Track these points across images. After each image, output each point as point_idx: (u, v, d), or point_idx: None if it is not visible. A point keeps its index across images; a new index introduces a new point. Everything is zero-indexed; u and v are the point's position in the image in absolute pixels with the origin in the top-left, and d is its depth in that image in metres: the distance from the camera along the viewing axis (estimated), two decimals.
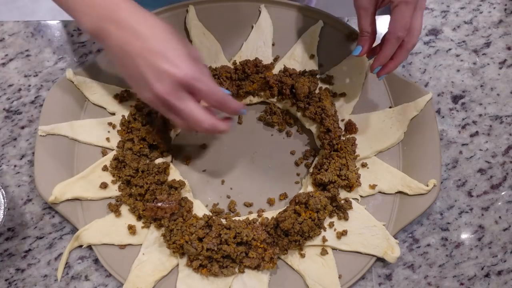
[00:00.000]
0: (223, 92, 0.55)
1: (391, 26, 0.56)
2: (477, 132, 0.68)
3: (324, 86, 0.68)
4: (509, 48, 0.72)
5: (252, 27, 0.70)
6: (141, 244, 0.60)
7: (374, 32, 0.59)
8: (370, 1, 0.57)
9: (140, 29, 0.52)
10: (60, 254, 0.61)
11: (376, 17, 0.73)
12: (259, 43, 0.69)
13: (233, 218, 0.61)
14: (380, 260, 0.60)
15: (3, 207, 0.58)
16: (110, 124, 0.65)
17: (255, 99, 0.68)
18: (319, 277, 0.58)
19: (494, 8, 0.75)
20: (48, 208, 0.63)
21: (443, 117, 0.69)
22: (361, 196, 0.63)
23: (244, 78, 0.67)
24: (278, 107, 0.68)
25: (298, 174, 0.65)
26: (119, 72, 0.56)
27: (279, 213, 0.60)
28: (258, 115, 0.68)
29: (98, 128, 0.65)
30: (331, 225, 0.61)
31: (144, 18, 0.53)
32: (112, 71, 0.68)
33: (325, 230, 0.60)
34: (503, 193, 0.65)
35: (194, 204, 0.62)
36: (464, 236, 0.63)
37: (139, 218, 0.61)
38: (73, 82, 0.66)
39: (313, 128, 0.66)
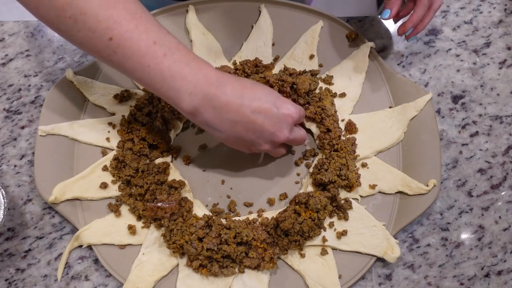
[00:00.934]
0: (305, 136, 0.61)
1: None
2: (477, 132, 0.68)
3: (324, 86, 0.68)
4: (509, 48, 0.72)
5: (252, 27, 0.70)
6: (141, 244, 0.60)
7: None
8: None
9: (245, 89, 0.53)
10: (60, 254, 0.61)
11: (377, 16, 0.73)
12: (259, 43, 0.69)
13: (233, 218, 0.61)
14: (380, 260, 0.60)
15: (3, 207, 0.58)
16: (110, 124, 0.65)
17: None
18: (319, 277, 0.59)
19: (494, 8, 0.75)
20: (48, 208, 0.63)
21: (443, 117, 0.69)
22: (361, 196, 0.63)
23: (244, 78, 0.67)
24: None
25: (298, 174, 0.65)
26: (232, 140, 0.56)
27: (279, 213, 0.60)
28: None
29: (98, 128, 0.65)
30: (331, 225, 0.61)
31: (243, 80, 0.55)
32: (112, 71, 0.68)
33: (325, 230, 0.60)
34: (503, 193, 0.65)
35: (194, 204, 0.62)
36: (464, 236, 0.63)
37: (139, 218, 0.61)
38: (73, 82, 0.66)
39: (313, 128, 0.66)
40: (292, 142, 0.59)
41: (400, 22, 0.66)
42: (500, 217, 0.64)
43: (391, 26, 0.73)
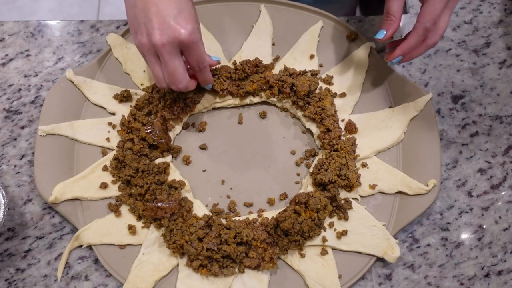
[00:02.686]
0: (209, 60, 0.59)
1: (420, 17, 0.56)
2: (477, 132, 0.68)
3: (324, 86, 0.68)
4: (509, 48, 0.72)
5: (252, 27, 0.70)
6: (141, 244, 0.60)
7: (399, 18, 0.58)
8: None
9: None
10: (60, 254, 0.61)
11: (377, 16, 0.73)
12: (259, 43, 0.69)
13: (233, 218, 0.61)
14: (380, 260, 0.60)
15: (3, 207, 0.58)
16: (110, 124, 0.65)
17: (255, 99, 0.68)
18: (319, 277, 0.59)
19: (494, 8, 0.75)
20: (48, 208, 0.63)
21: (443, 117, 0.69)
22: (361, 196, 0.63)
23: (244, 78, 0.67)
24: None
25: (298, 174, 0.65)
26: (126, 8, 0.57)
27: (279, 213, 0.60)
28: (258, 115, 0.68)
29: (98, 128, 0.65)
30: (331, 225, 0.61)
31: None
32: (112, 71, 0.68)
33: (325, 230, 0.60)
34: (503, 193, 0.65)
35: (194, 204, 0.62)
36: (464, 236, 0.63)
37: (139, 218, 0.61)
38: (73, 82, 0.66)
39: (313, 128, 0.66)
40: (165, 67, 0.56)
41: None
42: (500, 217, 0.64)
43: None
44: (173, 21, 0.54)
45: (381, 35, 0.58)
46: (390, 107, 0.67)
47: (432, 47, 0.58)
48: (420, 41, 0.57)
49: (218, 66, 0.67)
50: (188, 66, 0.60)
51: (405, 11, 0.75)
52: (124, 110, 0.66)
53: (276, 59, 0.70)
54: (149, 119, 0.64)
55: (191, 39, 0.54)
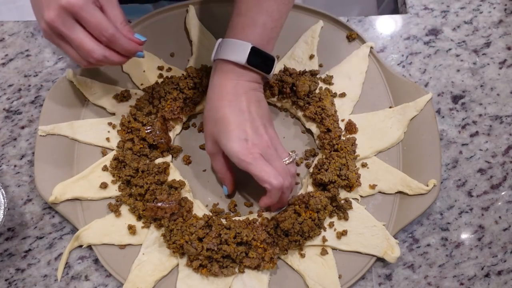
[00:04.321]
0: (113, 28, 0.52)
1: (261, 183, 0.55)
2: (477, 132, 0.68)
3: (324, 86, 0.68)
4: (509, 48, 0.72)
5: None
6: (141, 244, 0.60)
7: (227, 172, 0.60)
8: (215, 146, 0.58)
9: None
10: (60, 254, 0.61)
11: (377, 17, 0.74)
12: None
13: (233, 218, 0.61)
14: (380, 260, 0.60)
15: (3, 207, 0.58)
16: (110, 124, 0.65)
17: None
18: (319, 277, 0.58)
19: (494, 8, 0.75)
20: (48, 208, 0.63)
21: (443, 117, 0.69)
22: (361, 196, 0.63)
23: None
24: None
25: (298, 174, 0.65)
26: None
27: (279, 213, 0.60)
28: None
29: (98, 128, 0.65)
30: (331, 225, 0.61)
31: None
32: (112, 71, 0.68)
33: (325, 230, 0.60)
34: (503, 193, 0.65)
35: (194, 204, 0.62)
36: (464, 236, 0.63)
37: (139, 218, 0.61)
38: (73, 82, 0.66)
39: (313, 128, 0.66)
40: (71, 43, 0.52)
41: None
42: (500, 217, 0.64)
43: (391, 26, 0.73)
44: None
45: (225, 191, 0.62)
46: (390, 107, 0.67)
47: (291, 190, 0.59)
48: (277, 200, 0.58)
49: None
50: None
51: (405, 11, 0.75)
52: (124, 110, 0.66)
53: (276, 59, 0.70)
54: (149, 119, 0.64)
55: (74, 3, 0.49)
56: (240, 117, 0.55)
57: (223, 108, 0.55)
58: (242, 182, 0.64)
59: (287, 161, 0.58)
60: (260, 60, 0.57)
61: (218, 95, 0.56)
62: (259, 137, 0.55)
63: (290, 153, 0.59)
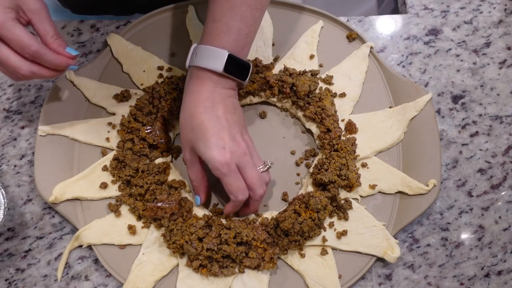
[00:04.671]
0: (36, 45, 0.51)
1: (228, 193, 0.57)
2: (477, 132, 0.68)
3: (324, 86, 0.68)
4: (509, 48, 0.72)
5: None
6: (141, 244, 0.60)
7: (201, 181, 0.59)
8: (192, 153, 0.57)
9: None
10: (60, 254, 0.61)
11: (377, 16, 0.74)
12: (259, 43, 0.69)
13: (233, 218, 0.61)
14: (380, 260, 0.60)
15: (3, 207, 0.58)
16: (110, 124, 0.65)
17: (255, 99, 0.68)
18: (319, 277, 0.59)
19: (494, 8, 0.75)
20: (48, 208, 0.63)
21: (443, 117, 0.69)
22: (361, 196, 0.63)
23: None
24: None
25: (298, 174, 0.65)
26: None
27: (279, 213, 0.60)
28: (258, 115, 0.68)
29: (98, 128, 0.65)
30: (331, 225, 0.61)
31: None
32: (112, 71, 0.68)
33: (325, 230, 0.60)
34: (503, 193, 0.65)
35: (194, 204, 0.62)
36: (464, 236, 0.63)
37: (139, 218, 0.61)
38: (73, 82, 0.66)
39: (313, 128, 0.66)
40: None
41: None
42: (500, 217, 0.64)
43: (391, 26, 0.73)
44: None
45: (197, 201, 0.60)
46: (390, 107, 0.67)
47: (261, 200, 0.59)
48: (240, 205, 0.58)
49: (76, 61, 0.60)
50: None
51: (405, 11, 0.75)
52: (124, 110, 0.66)
53: (276, 59, 0.70)
54: (149, 119, 0.64)
55: None
56: (217, 124, 0.55)
57: (200, 115, 0.55)
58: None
59: (262, 169, 0.58)
60: (236, 68, 0.57)
61: (194, 102, 0.56)
62: (237, 144, 0.55)
63: (265, 162, 0.59)
